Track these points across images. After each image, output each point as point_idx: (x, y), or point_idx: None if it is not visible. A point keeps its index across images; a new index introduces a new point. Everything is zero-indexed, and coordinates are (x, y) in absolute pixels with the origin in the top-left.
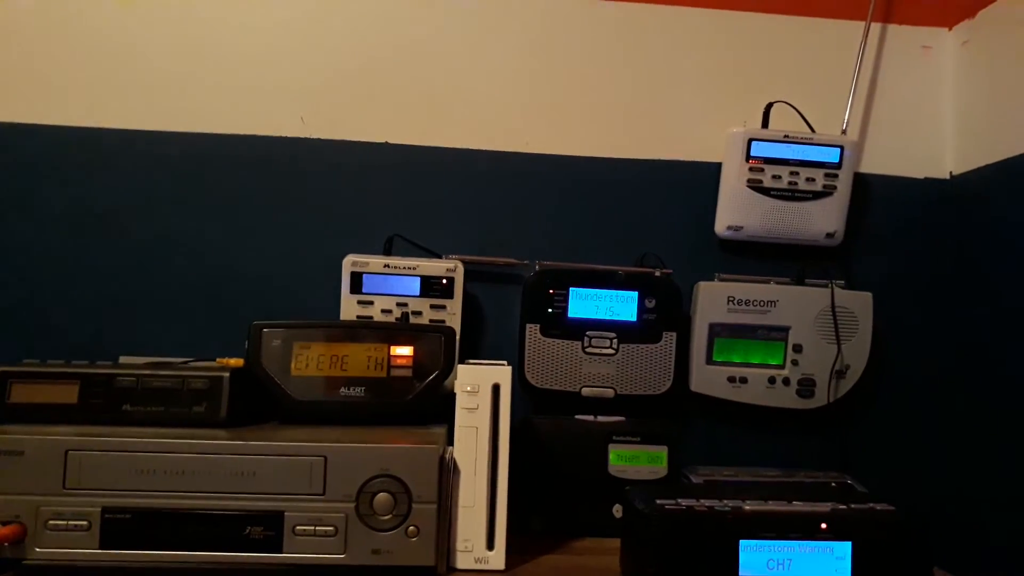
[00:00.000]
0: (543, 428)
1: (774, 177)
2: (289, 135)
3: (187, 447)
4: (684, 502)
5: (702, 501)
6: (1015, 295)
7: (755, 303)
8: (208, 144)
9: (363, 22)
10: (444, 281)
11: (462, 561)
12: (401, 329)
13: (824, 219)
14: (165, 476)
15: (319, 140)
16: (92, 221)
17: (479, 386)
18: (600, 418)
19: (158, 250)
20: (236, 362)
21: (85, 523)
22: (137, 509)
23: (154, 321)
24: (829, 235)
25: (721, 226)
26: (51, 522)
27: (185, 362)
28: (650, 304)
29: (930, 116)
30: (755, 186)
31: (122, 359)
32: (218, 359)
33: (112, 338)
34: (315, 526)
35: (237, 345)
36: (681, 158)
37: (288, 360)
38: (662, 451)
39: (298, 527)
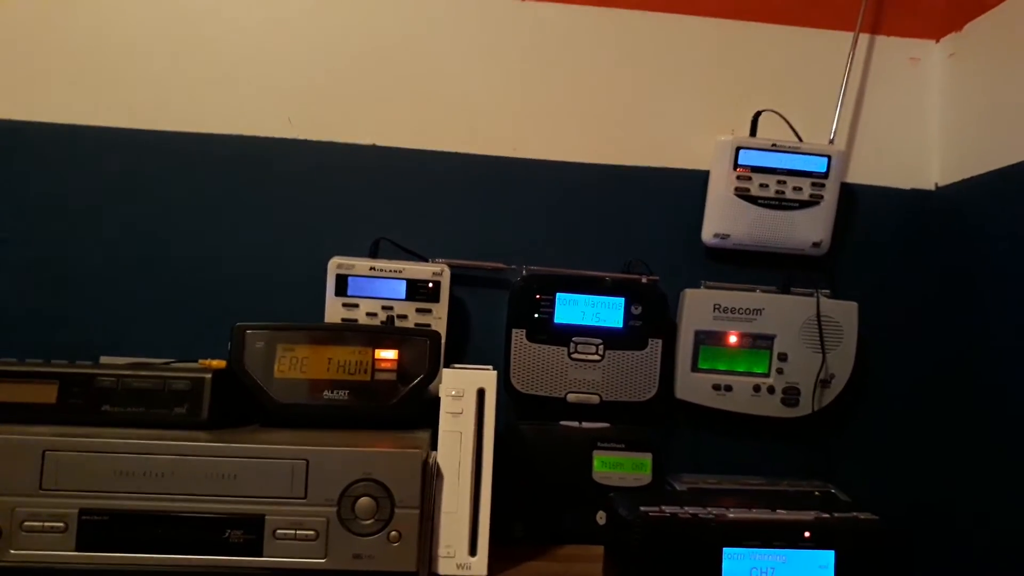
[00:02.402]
0: (528, 434)
1: (761, 186)
2: (276, 136)
3: (167, 448)
4: (668, 509)
5: (686, 508)
6: (999, 306)
7: (741, 311)
8: (194, 143)
9: (352, 23)
10: (430, 285)
11: (444, 567)
12: (386, 332)
13: (810, 228)
14: (144, 478)
15: (306, 141)
16: (74, 219)
17: (464, 391)
18: (585, 424)
19: (141, 249)
20: (218, 364)
21: (62, 525)
22: (115, 511)
23: (136, 321)
24: (815, 244)
25: (708, 234)
26: (27, 523)
27: (167, 363)
28: (636, 311)
29: (916, 127)
30: (742, 194)
31: (103, 359)
32: (200, 360)
33: (93, 338)
34: (296, 530)
35: (220, 346)
36: (669, 165)
37: (271, 362)
38: (646, 458)
39: (279, 531)
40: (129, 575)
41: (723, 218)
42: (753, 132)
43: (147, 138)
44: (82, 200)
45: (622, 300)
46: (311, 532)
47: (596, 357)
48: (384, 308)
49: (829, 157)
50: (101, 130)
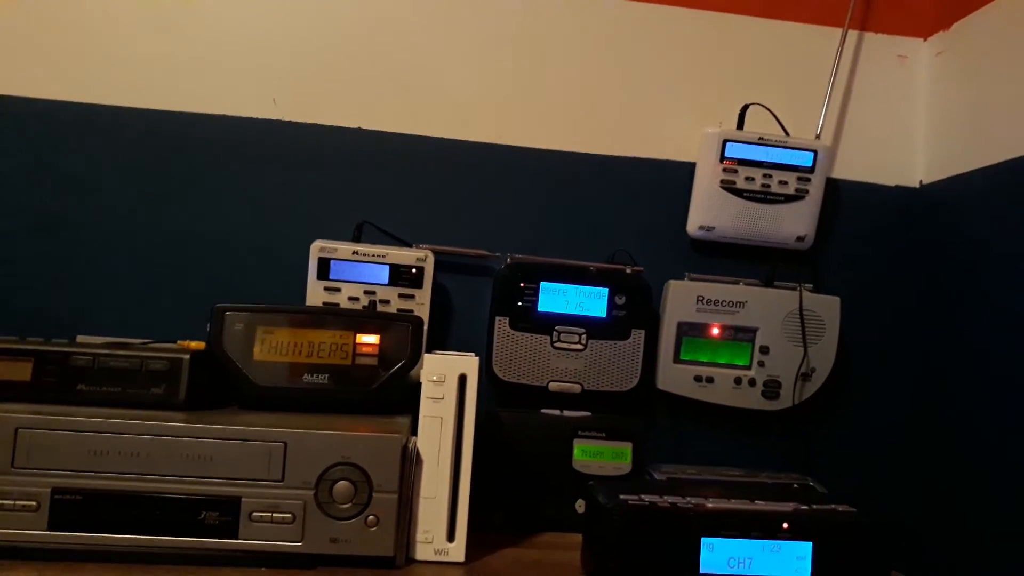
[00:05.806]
0: (508, 421)
1: (747, 179)
2: (260, 116)
3: (143, 428)
4: (647, 498)
5: (665, 498)
6: (979, 303)
7: (724, 303)
8: (178, 123)
9: (341, 3)
10: (414, 270)
11: (421, 552)
12: (368, 317)
13: (795, 222)
14: (119, 457)
15: (291, 123)
16: (54, 195)
17: (445, 376)
18: (566, 413)
19: (121, 227)
20: (197, 345)
21: (34, 504)
22: (89, 491)
23: (115, 300)
24: (799, 238)
25: (693, 226)
26: None
27: (144, 343)
28: (620, 301)
29: (903, 124)
30: (728, 187)
31: (79, 338)
32: (179, 341)
33: (70, 316)
34: (272, 512)
35: (199, 327)
36: (656, 156)
37: (251, 344)
38: (627, 447)
39: (255, 513)
40: (102, 555)
41: (708, 210)
42: (740, 125)
43: (129, 116)
44: (63, 175)
45: (606, 290)
46: (288, 515)
47: (579, 346)
48: (366, 293)
49: (815, 152)
50: (81, 106)
